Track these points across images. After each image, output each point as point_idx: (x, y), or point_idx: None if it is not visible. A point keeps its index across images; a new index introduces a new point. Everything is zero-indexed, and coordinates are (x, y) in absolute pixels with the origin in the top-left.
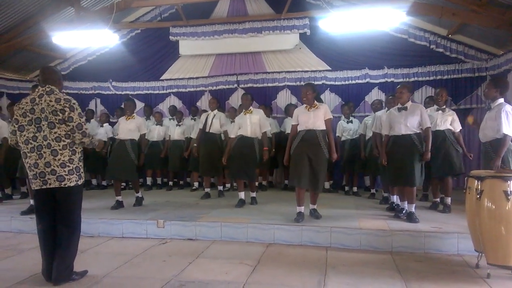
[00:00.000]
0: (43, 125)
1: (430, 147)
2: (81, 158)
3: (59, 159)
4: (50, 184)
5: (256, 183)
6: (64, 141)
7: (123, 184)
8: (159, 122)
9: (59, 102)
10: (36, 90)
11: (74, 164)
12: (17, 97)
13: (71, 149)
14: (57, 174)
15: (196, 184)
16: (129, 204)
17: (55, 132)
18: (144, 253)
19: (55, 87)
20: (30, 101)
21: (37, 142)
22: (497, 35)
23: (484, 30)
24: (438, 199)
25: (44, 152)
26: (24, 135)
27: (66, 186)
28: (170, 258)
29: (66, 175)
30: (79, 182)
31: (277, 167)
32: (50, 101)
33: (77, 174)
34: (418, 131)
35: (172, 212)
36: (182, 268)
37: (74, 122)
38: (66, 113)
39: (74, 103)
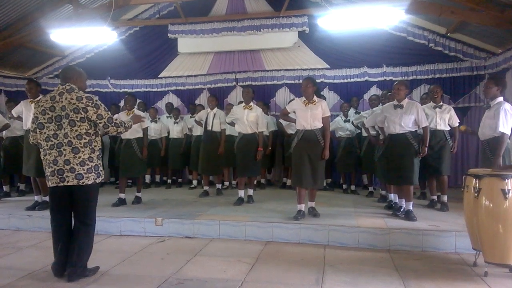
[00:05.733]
0: (64, 122)
1: (427, 143)
2: (100, 156)
3: (79, 157)
4: (68, 181)
5: (255, 181)
6: (85, 138)
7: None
8: (154, 119)
9: (80, 100)
10: (56, 88)
11: (93, 163)
12: (15, 94)
13: (91, 147)
14: (76, 172)
15: (195, 182)
16: (128, 202)
17: (76, 130)
18: (142, 251)
19: (74, 85)
20: (50, 98)
21: (58, 140)
22: (496, 34)
23: (483, 29)
24: (435, 197)
25: (64, 150)
26: (45, 133)
27: (84, 184)
28: (168, 256)
29: (85, 173)
30: (97, 181)
31: (274, 166)
32: (71, 99)
33: (96, 172)
34: (412, 130)
35: (171, 210)
36: (180, 266)
37: (104, 118)
38: (91, 112)
39: (96, 100)
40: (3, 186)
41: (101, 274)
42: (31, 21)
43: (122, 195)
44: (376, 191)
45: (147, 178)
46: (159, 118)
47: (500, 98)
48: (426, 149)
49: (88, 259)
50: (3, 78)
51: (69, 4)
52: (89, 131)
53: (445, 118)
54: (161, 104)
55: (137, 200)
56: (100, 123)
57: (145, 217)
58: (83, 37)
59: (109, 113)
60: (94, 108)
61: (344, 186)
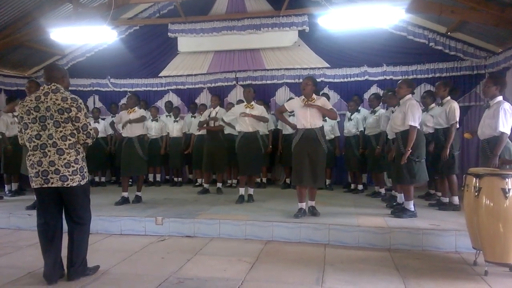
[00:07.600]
0: (48, 123)
1: (410, 147)
2: (84, 157)
3: (64, 158)
4: (52, 183)
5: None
6: (70, 140)
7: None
8: (155, 118)
9: (65, 101)
10: (41, 88)
11: (78, 164)
12: (15, 93)
13: (75, 148)
14: (60, 174)
15: (199, 180)
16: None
17: (61, 131)
18: (142, 250)
19: (59, 85)
20: (35, 98)
21: (41, 141)
22: (496, 33)
23: (483, 28)
24: (446, 198)
25: (49, 151)
26: (28, 133)
27: (69, 186)
28: (169, 255)
29: (70, 175)
30: (82, 183)
31: (274, 165)
32: (56, 99)
33: (81, 174)
34: (403, 129)
35: (171, 209)
36: (181, 265)
37: (80, 123)
38: (73, 113)
39: (81, 103)
40: (6, 186)
41: (102, 273)
42: (31, 20)
43: (125, 194)
44: (375, 191)
45: (150, 176)
46: (159, 117)
47: (500, 98)
48: (407, 154)
49: (86, 257)
50: (3, 77)
51: (69, 3)
52: (74, 132)
53: (442, 116)
54: (161, 103)
55: (137, 199)
56: (75, 125)
57: (145, 216)
58: (83, 36)
59: (87, 120)
60: (76, 110)
61: (353, 186)
